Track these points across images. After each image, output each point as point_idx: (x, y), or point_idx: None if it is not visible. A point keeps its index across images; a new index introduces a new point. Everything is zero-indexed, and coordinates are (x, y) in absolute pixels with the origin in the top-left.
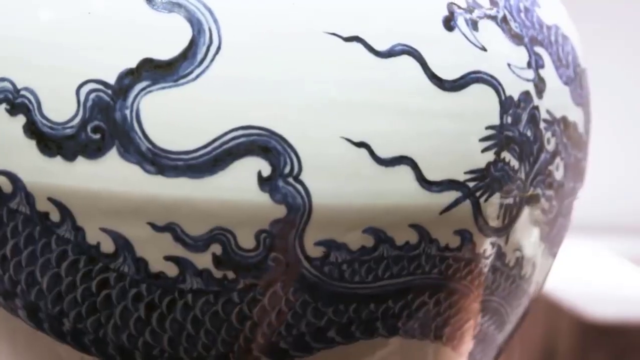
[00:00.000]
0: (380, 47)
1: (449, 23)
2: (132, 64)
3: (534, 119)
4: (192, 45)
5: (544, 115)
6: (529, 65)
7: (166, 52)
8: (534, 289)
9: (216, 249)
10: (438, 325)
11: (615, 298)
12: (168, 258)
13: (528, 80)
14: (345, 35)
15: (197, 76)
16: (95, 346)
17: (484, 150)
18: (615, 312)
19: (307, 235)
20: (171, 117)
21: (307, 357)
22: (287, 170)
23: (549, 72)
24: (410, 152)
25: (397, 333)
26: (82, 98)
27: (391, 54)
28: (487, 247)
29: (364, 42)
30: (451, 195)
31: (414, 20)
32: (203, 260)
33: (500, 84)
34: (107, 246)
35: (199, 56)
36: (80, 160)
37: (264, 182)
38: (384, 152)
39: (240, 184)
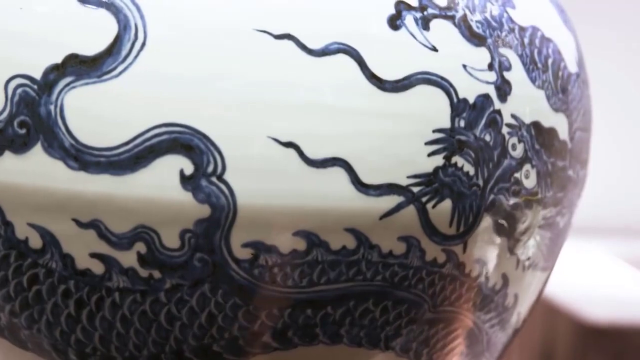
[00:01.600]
0: (314, 45)
1: (394, 22)
2: (58, 59)
3: (494, 123)
4: (117, 41)
5: (508, 119)
6: (491, 67)
7: (92, 47)
8: (515, 303)
9: (141, 247)
10: (389, 335)
11: (613, 300)
12: (93, 255)
13: (488, 82)
14: (276, 32)
15: (121, 72)
16: (30, 341)
17: (431, 154)
18: (614, 315)
19: (233, 236)
20: (94, 113)
21: None
22: (210, 169)
23: (517, 75)
24: (344, 154)
25: (341, 341)
26: (9, 93)
27: (325, 52)
28: (438, 255)
29: (296, 40)
30: (392, 200)
31: (355, 18)
32: (128, 259)
33: (452, 85)
34: (35, 242)
35: (124, 52)
36: (8, 155)
37: (186, 181)
38: (314, 153)
39: (162, 182)
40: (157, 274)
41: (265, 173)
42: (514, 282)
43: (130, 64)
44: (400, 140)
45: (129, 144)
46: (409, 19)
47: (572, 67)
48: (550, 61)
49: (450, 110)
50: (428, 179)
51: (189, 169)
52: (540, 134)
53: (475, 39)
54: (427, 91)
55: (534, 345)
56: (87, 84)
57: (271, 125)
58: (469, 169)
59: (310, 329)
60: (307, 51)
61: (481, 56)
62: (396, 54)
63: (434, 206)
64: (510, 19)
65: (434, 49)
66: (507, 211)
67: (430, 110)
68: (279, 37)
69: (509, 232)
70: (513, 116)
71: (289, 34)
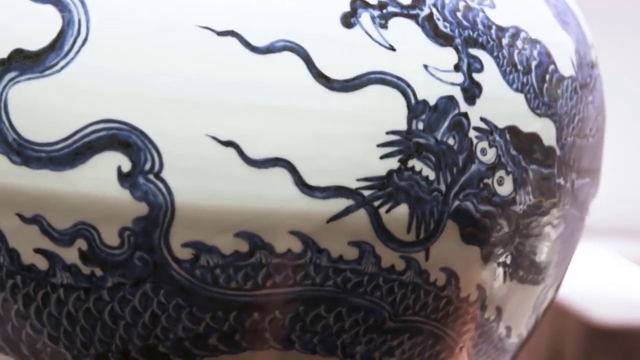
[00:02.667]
0: (259, 42)
1: (348, 20)
2: (4, 54)
3: (459, 126)
4: (61, 36)
5: (476, 123)
6: (458, 68)
7: (37, 43)
8: (499, 317)
9: (82, 244)
10: (346, 343)
11: (621, 301)
12: (37, 251)
13: (454, 84)
14: (219, 29)
15: (62, 67)
16: None
17: (384, 156)
18: (622, 316)
19: (172, 236)
20: (36, 108)
21: None
22: (147, 166)
23: (489, 77)
24: (287, 154)
25: (293, 347)
26: None
27: (270, 50)
28: (396, 262)
29: (239, 37)
30: (340, 203)
31: (306, 16)
32: (70, 255)
33: (409, 86)
34: None
35: (66, 47)
36: None
37: (123, 178)
38: (255, 153)
39: (100, 179)
40: (98, 272)
41: (204, 172)
42: (494, 295)
43: (72, 59)
44: (349, 141)
45: (68, 139)
46: (365, 16)
47: (566, 71)
48: (534, 63)
49: (407, 111)
50: (381, 183)
51: (126, 166)
52: (517, 139)
53: (440, 38)
54: (381, 91)
55: (541, 346)
56: (30, 79)
57: (210, 123)
58: (429, 173)
59: (258, 333)
60: (251, 49)
61: (447, 57)
62: (348, 53)
63: (387, 211)
64: (487, 19)
65: (392, 49)
66: (476, 219)
67: (384, 112)
68: (221, 34)
69: (481, 241)
70: (483, 119)
71: (233, 31)
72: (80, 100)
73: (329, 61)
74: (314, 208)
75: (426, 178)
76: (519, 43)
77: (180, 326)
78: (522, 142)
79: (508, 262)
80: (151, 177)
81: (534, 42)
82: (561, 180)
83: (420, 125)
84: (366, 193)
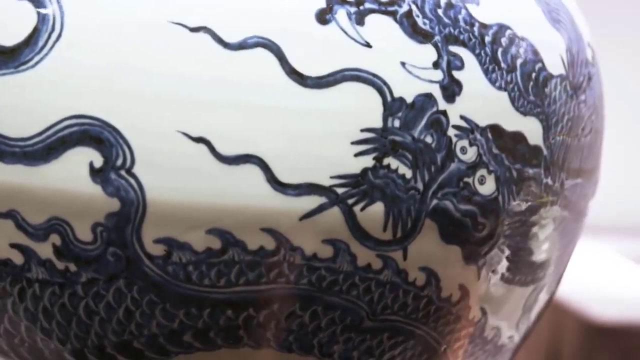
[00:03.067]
0: (231, 38)
1: (323, 16)
2: None
3: (437, 124)
4: (36, 32)
5: (455, 121)
6: (437, 65)
7: (11, 38)
8: (484, 318)
9: (56, 239)
10: (323, 342)
11: (620, 299)
12: (13, 245)
13: (432, 81)
14: (191, 25)
15: (36, 63)
16: None
17: (358, 154)
18: (620, 313)
19: (144, 232)
20: (10, 103)
21: None
22: (119, 162)
23: (470, 75)
24: (259, 151)
25: (268, 345)
26: None
27: (243, 46)
28: (373, 260)
29: (212, 33)
30: (313, 201)
31: (280, 12)
32: (45, 250)
33: (385, 83)
34: None
35: (40, 43)
36: None
37: (95, 174)
38: (227, 150)
39: (73, 174)
40: (72, 267)
41: (175, 168)
42: (478, 295)
43: (46, 55)
44: (322, 138)
45: (42, 134)
46: (340, 13)
47: (555, 69)
48: (519, 61)
49: (383, 109)
50: (355, 181)
51: (98, 161)
52: (500, 138)
53: (419, 35)
54: (356, 88)
55: (540, 344)
56: (4, 74)
57: (182, 119)
58: (405, 171)
59: (233, 330)
60: (223, 45)
61: (425, 54)
62: (322, 50)
63: (362, 209)
64: (470, 16)
65: (368, 45)
66: (456, 218)
67: (359, 109)
68: (194, 29)
69: (462, 241)
70: (463, 118)
71: (205, 27)
72: (54, 95)
73: (303, 58)
74: (286, 205)
75: (402, 176)
76: (503, 41)
77: (154, 322)
78: (505, 141)
79: (492, 262)
80: (123, 172)
81: (520, 40)
82: (549, 180)
83: (397, 123)
84: (340, 191)
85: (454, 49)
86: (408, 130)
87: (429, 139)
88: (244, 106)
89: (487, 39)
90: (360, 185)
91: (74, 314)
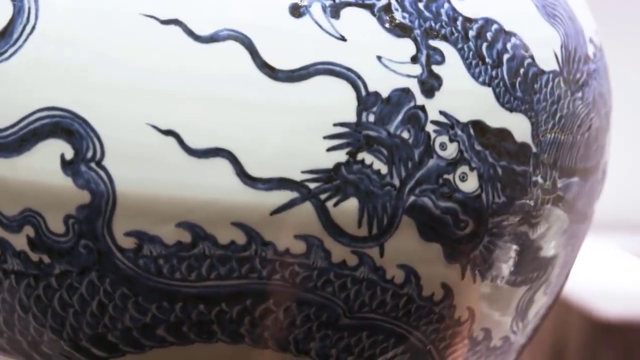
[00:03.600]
0: (203, 31)
1: (297, 9)
2: None
3: (414, 120)
4: (11, 24)
5: (434, 116)
6: (415, 59)
7: None
8: (471, 318)
9: (29, 231)
10: (298, 338)
11: (625, 295)
12: None
13: (410, 76)
14: (163, 17)
15: (11, 55)
16: None
17: (331, 149)
18: (625, 310)
19: (115, 224)
20: None
21: (141, 354)
22: (89, 154)
23: (452, 70)
24: (228, 145)
25: (243, 340)
26: None
27: (214, 39)
28: (348, 257)
29: (183, 26)
30: (284, 195)
31: (252, 5)
32: (20, 242)
33: (360, 77)
34: None
35: (15, 35)
36: None
37: (66, 166)
38: (196, 143)
39: (44, 166)
40: (46, 259)
41: (144, 161)
42: (463, 294)
43: (20, 47)
44: (293, 133)
45: (15, 126)
46: (315, 6)
47: (547, 65)
48: (506, 57)
49: (357, 103)
50: (327, 176)
51: (69, 153)
52: (483, 134)
53: (397, 29)
54: (330, 83)
55: (545, 340)
56: None
57: (151, 112)
58: (380, 167)
59: (206, 325)
60: (194, 37)
61: (403, 48)
62: (295, 43)
63: (335, 204)
64: (453, 10)
65: (342, 39)
66: (435, 215)
67: (332, 103)
68: (165, 22)
69: (442, 238)
70: (443, 113)
71: (177, 20)
72: (27, 87)
73: (275, 51)
74: (256, 200)
75: (377, 172)
76: (489, 35)
77: (127, 316)
78: (489, 138)
79: (477, 261)
80: (93, 165)
81: (508, 34)
82: (539, 178)
83: (371, 118)
84: (312, 186)
85: (434, 43)
86: (383, 125)
87: (405, 135)
88: (214, 99)
89: (471, 33)
90: (333, 181)
91: (48, 305)
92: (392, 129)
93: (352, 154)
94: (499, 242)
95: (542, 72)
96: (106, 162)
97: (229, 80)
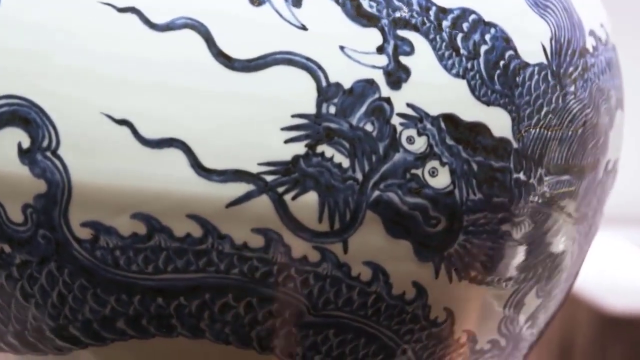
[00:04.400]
0: (159, 19)
1: None
2: None
3: (379, 112)
4: None
5: (401, 109)
6: (381, 50)
7: None
8: (450, 319)
9: None
10: (261, 335)
11: (633, 289)
12: None
13: (375, 67)
14: (120, 5)
15: None
16: None
17: (289, 140)
18: (634, 304)
19: (71, 215)
20: None
21: (103, 347)
22: (45, 143)
23: (421, 61)
24: (183, 135)
25: (203, 335)
26: None
27: (170, 27)
28: (309, 252)
29: (139, 14)
30: (240, 188)
31: None
32: None
33: (320, 68)
34: None
35: None
36: None
37: (23, 155)
38: (150, 133)
39: (3, 155)
40: (7, 248)
41: (98, 150)
42: (438, 294)
43: None
44: (250, 123)
45: None
46: None
47: (532, 58)
48: (484, 48)
49: (317, 94)
50: (285, 168)
51: (26, 142)
52: (455, 128)
53: (363, 18)
54: (288, 73)
55: (552, 335)
56: None
57: (106, 101)
58: (342, 160)
59: (165, 319)
60: (150, 25)
61: (369, 38)
62: (254, 32)
63: (294, 198)
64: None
65: (303, 28)
66: (403, 211)
67: (290, 94)
68: (122, 10)
69: (411, 235)
70: (410, 106)
71: (133, 7)
72: None
73: (232, 40)
74: (211, 192)
75: (339, 165)
76: (465, 26)
77: (87, 307)
78: (462, 132)
79: (453, 260)
80: (48, 154)
81: (487, 25)
82: (521, 175)
83: (332, 109)
84: (269, 178)
85: (403, 33)
86: (345, 117)
87: (369, 127)
88: (169, 88)
89: (445, 23)
90: (291, 174)
91: (12, 295)
92: (354, 121)
93: (311, 147)
94: (476, 240)
95: (526, 64)
96: (61, 151)
97: (184, 69)
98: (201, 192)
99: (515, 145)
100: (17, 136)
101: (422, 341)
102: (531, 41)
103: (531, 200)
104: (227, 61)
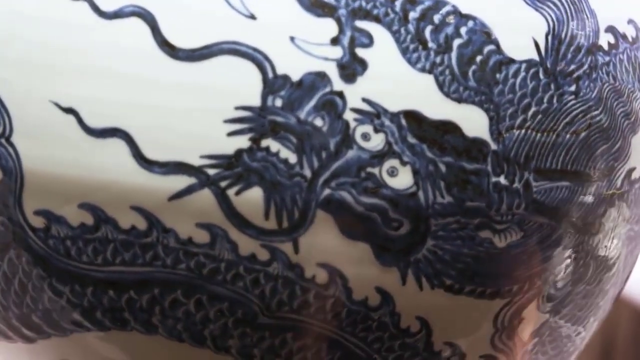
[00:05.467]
0: (108, 7)
1: None
2: None
3: (330, 106)
4: None
5: (355, 103)
6: (336, 41)
7: None
8: (426, 330)
9: None
10: (215, 334)
11: None
12: None
13: (328, 59)
14: None
15: None
16: None
17: (232, 133)
18: None
19: (25, 203)
20: None
21: (64, 337)
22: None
23: (381, 54)
24: (125, 125)
25: (156, 331)
26: None
27: (118, 15)
28: (258, 251)
29: (90, 1)
30: (181, 181)
31: None
32: None
33: (267, 59)
34: None
35: None
36: None
37: None
38: (94, 122)
39: None
40: None
41: (47, 138)
42: (407, 302)
43: None
44: (192, 115)
45: None
46: None
47: (520, 54)
48: (457, 42)
49: (263, 86)
50: (228, 162)
51: None
52: (419, 126)
53: (317, 8)
54: (234, 63)
55: (593, 336)
56: None
57: (54, 89)
58: (288, 155)
59: (118, 312)
60: (99, 13)
61: (323, 28)
62: (200, 21)
63: (237, 193)
64: None
65: (252, 17)
66: (358, 212)
67: (235, 85)
68: None
69: (369, 238)
70: (366, 100)
71: None
72: None
73: (178, 29)
74: (154, 184)
75: (285, 161)
76: (436, 18)
77: (45, 297)
78: (427, 130)
79: (422, 266)
80: (2, 141)
81: (464, 18)
82: (501, 179)
83: (278, 102)
84: (211, 172)
85: (362, 24)
86: (292, 111)
87: (318, 122)
88: (113, 77)
89: (413, 15)
90: (234, 168)
91: None
92: (302, 115)
93: (255, 140)
94: (448, 246)
95: (511, 60)
96: (14, 139)
97: (129, 58)
98: (144, 184)
99: (493, 146)
100: None
101: (394, 351)
102: (520, 36)
103: (517, 206)
104: (172, 50)
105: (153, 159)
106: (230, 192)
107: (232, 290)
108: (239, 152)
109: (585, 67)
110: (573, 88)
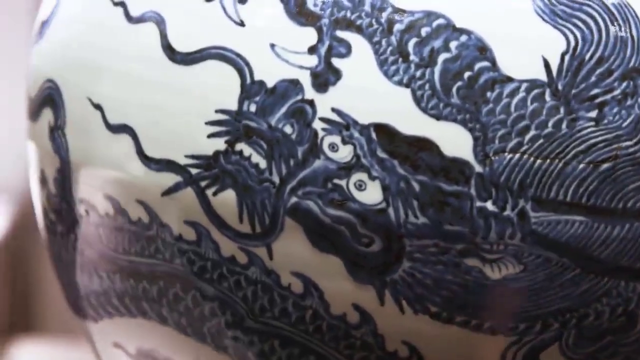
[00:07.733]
0: (136, 12)
1: None
2: None
3: (299, 114)
4: None
5: (325, 113)
6: (313, 50)
7: None
8: (412, 354)
9: None
10: (212, 332)
11: None
12: None
13: (302, 67)
14: (115, 0)
15: None
16: None
17: (211, 135)
18: None
19: (74, 190)
20: None
21: (112, 320)
22: (59, 122)
23: (357, 65)
24: (132, 122)
25: (167, 323)
26: None
27: (141, 20)
28: (237, 253)
29: (124, 7)
30: (171, 178)
31: None
32: None
33: (248, 64)
34: None
35: None
36: None
37: (50, 132)
38: (112, 118)
39: (40, 130)
40: (54, 218)
41: (83, 132)
42: (389, 325)
43: None
44: (182, 116)
45: None
46: None
47: (520, 73)
48: (444, 56)
49: (240, 91)
50: (207, 163)
51: (52, 121)
52: (390, 141)
53: (302, 17)
54: (219, 68)
55: None
56: None
57: (91, 86)
58: (259, 160)
59: (138, 300)
60: (129, 19)
61: (303, 37)
62: (200, 26)
63: (215, 194)
64: (384, 0)
65: (242, 24)
66: (325, 223)
67: (218, 89)
68: (116, 4)
69: (341, 252)
70: (336, 111)
71: (122, 2)
72: None
73: (181, 33)
74: (150, 179)
75: (256, 165)
76: (423, 31)
77: (95, 279)
78: (399, 145)
79: (400, 288)
80: (60, 132)
81: (456, 31)
82: (488, 205)
83: (252, 108)
84: (193, 171)
85: (342, 34)
86: (264, 117)
87: (288, 129)
88: (129, 77)
89: (398, 27)
90: (212, 169)
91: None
92: (273, 121)
93: (230, 144)
94: (428, 270)
95: (507, 79)
96: (66, 131)
97: (141, 60)
98: (143, 179)
99: (478, 168)
100: (48, 116)
101: None
102: (524, 54)
103: (511, 236)
104: (171, 53)
105: (151, 156)
106: (209, 192)
107: (220, 290)
108: (217, 154)
109: (617, 92)
110: (593, 114)
